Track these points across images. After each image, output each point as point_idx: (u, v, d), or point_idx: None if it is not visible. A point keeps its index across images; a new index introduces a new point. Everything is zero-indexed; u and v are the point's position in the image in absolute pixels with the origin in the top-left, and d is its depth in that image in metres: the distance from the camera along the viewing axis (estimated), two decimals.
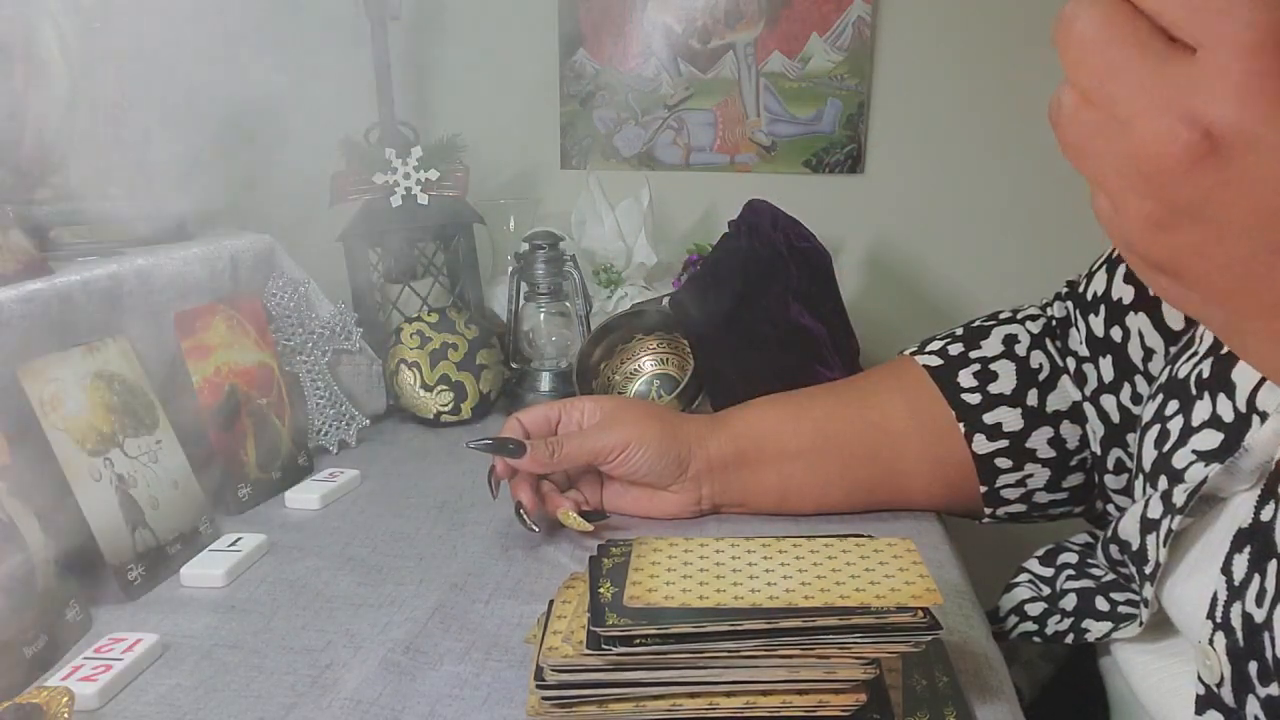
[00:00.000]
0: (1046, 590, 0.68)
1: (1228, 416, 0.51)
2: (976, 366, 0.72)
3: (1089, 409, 0.70)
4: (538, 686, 0.48)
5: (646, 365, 1.01)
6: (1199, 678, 0.49)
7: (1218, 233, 0.33)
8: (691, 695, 0.47)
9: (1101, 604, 0.62)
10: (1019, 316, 0.75)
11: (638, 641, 0.46)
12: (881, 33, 1.33)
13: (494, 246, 1.26)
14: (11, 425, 0.58)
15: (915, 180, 1.37)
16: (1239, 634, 0.46)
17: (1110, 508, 0.71)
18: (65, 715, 0.46)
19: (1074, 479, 0.72)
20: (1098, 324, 0.68)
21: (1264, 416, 0.48)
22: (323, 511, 0.77)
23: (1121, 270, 0.67)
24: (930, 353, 0.74)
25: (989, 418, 0.71)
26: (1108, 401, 0.68)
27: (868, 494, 0.74)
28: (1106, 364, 0.68)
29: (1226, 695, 0.47)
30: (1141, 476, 0.57)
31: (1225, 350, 0.53)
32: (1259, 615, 0.45)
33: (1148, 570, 0.54)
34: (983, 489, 0.72)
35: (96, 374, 0.66)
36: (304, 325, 0.89)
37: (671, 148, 1.38)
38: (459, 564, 0.68)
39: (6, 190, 0.72)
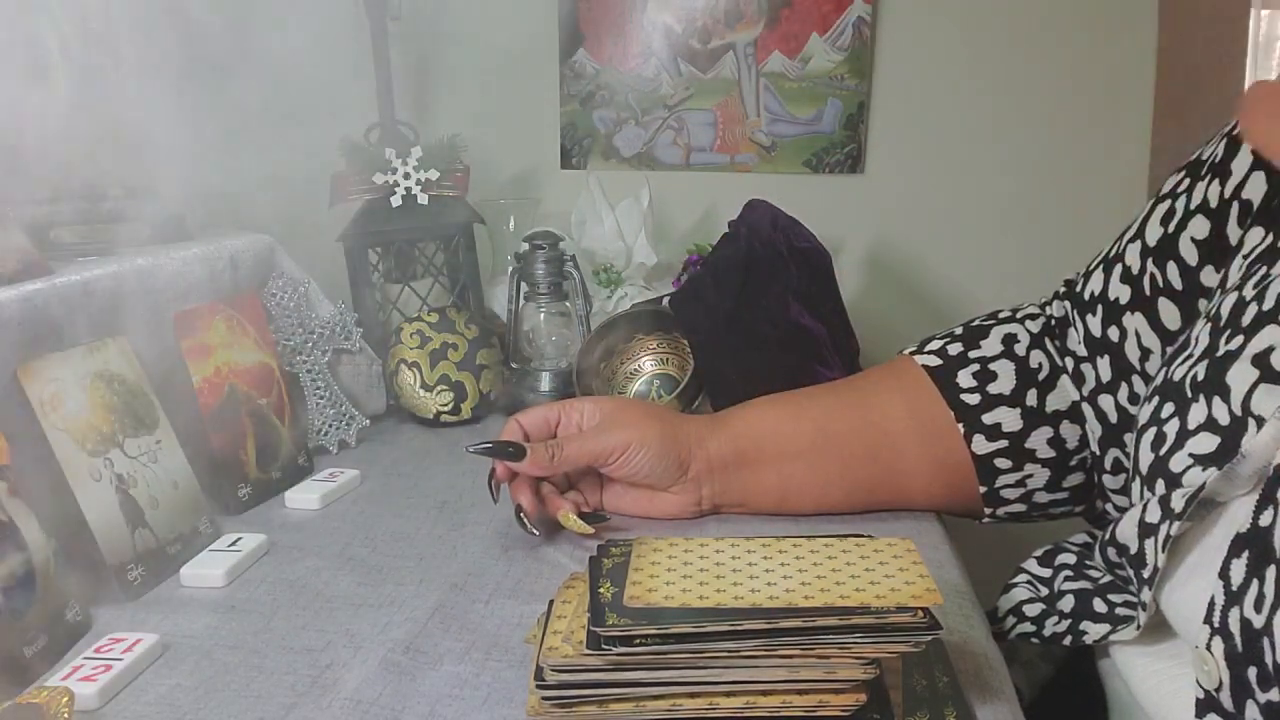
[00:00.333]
0: (1044, 591, 0.68)
1: (1223, 420, 0.51)
2: (976, 366, 0.72)
3: (1087, 409, 0.70)
4: (538, 686, 0.48)
5: (646, 365, 1.01)
6: (1197, 683, 0.49)
7: None
8: (691, 695, 0.47)
9: (1099, 606, 0.62)
10: (1018, 316, 0.75)
11: (638, 641, 0.46)
12: (881, 33, 1.33)
13: (494, 246, 1.26)
14: (11, 425, 0.58)
15: (915, 180, 1.37)
16: (1237, 639, 0.46)
17: (1109, 507, 0.71)
18: (65, 715, 0.46)
19: (1074, 479, 0.72)
20: (1095, 324, 0.68)
21: (1260, 421, 0.48)
22: (323, 511, 0.77)
23: (1118, 270, 0.67)
24: (929, 352, 0.74)
25: (988, 418, 0.71)
26: (1105, 402, 0.68)
27: (868, 494, 0.74)
28: (1104, 364, 0.68)
29: (1225, 700, 0.47)
30: (1138, 479, 0.57)
31: (1220, 352, 0.52)
32: (1258, 620, 0.45)
33: (1146, 574, 0.54)
34: (982, 489, 0.72)
35: (96, 374, 0.66)
36: (304, 325, 0.89)
37: (671, 148, 1.38)
38: (459, 564, 0.68)
39: (6, 190, 0.72)
